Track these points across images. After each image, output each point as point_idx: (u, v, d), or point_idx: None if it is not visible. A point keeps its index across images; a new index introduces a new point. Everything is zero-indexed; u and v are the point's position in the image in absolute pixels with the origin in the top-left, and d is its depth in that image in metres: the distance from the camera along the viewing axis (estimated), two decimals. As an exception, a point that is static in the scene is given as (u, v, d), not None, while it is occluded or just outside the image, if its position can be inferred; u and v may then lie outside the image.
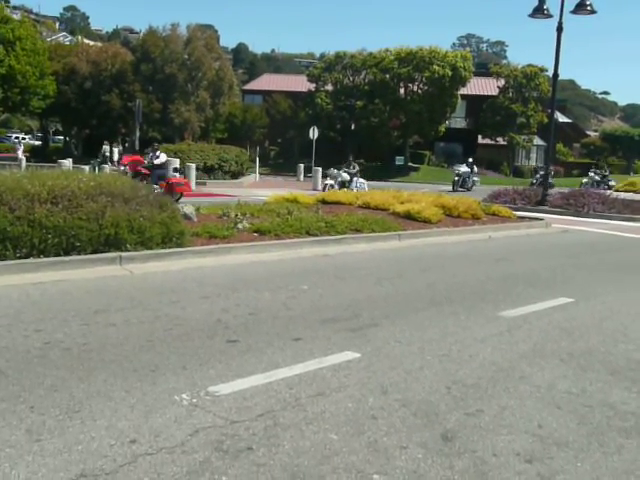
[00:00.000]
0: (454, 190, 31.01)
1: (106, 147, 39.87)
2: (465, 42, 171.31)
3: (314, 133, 38.62)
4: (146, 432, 3.81)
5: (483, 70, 60.25)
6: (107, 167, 28.74)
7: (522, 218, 17.33)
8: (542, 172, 35.42)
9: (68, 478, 3.30)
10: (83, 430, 3.80)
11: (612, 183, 37.37)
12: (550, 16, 21.15)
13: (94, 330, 5.73)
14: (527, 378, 5.10)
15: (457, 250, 12.11)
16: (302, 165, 39.61)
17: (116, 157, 39.18)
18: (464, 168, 34.63)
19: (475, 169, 35.65)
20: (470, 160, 35.96)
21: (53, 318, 6.02)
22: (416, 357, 5.46)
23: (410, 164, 52.16)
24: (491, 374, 5.14)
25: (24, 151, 44.42)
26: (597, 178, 37.78)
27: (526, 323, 6.79)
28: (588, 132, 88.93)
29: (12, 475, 3.29)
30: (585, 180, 37.42)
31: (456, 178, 33.91)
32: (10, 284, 7.17)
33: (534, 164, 56.84)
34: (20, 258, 7.73)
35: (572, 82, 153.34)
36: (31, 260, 7.77)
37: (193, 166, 26.81)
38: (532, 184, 33.54)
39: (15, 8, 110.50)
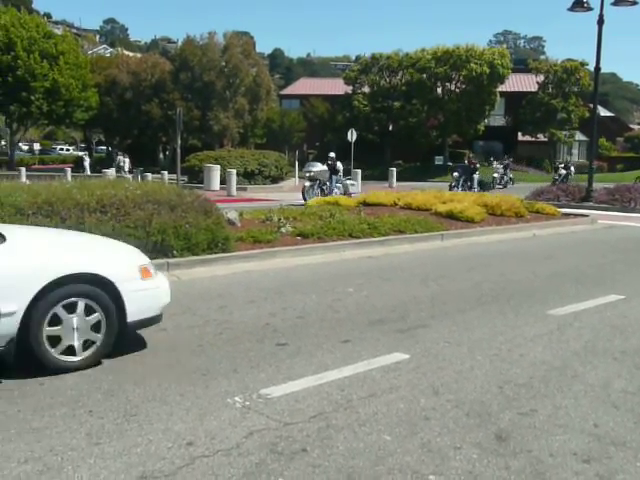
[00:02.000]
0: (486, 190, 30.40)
1: (120, 157, 40.76)
2: (502, 39, 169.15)
3: (352, 136, 38.57)
4: (202, 435, 3.88)
5: (521, 66, 59.40)
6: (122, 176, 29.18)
7: (567, 215, 17.06)
8: (563, 168, 34.52)
9: (129, 480, 3.38)
10: (141, 433, 3.89)
11: None
12: (590, 9, 20.80)
13: (146, 335, 5.84)
14: (580, 377, 5.03)
15: (502, 249, 11.98)
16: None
17: (127, 167, 39.99)
18: (499, 167, 34.39)
19: (508, 168, 35.20)
20: (507, 159, 35.51)
21: (106, 324, 6.15)
22: (466, 357, 5.43)
23: (449, 163, 51.77)
24: (543, 373, 5.09)
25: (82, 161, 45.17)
26: None
27: (576, 321, 6.69)
28: (631, 125, 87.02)
29: (75, 477, 3.38)
30: None
31: (495, 175, 33.65)
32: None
33: (576, 160, 55.81)
34: (71, 266, 7.90)
35: (614, 75, 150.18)
36: (82, 268, 7.94)
37: (234, 172, 27.05)
38: (555, 181, 32.39)
39: (57, 23, 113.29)
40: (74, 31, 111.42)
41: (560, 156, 57.58)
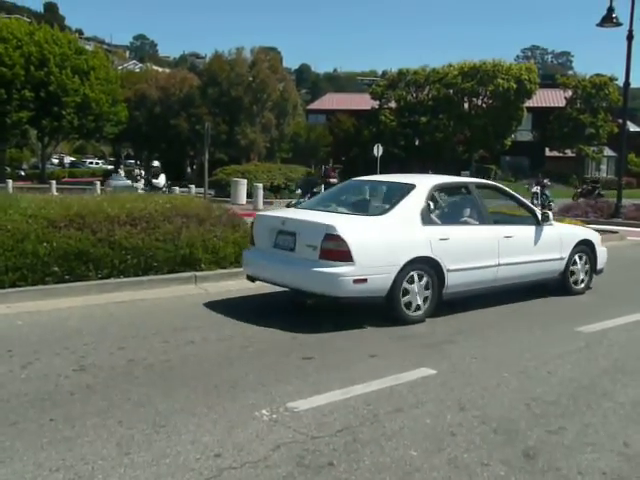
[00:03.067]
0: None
1: (137, 170, 41.27)
2: (529, 54, 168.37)
3: (378, 150, 38.65)
4: (230, 447, 3.91)
5: (549, 82, 59.18)
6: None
7: (595, 231, 16.86)
8: (535, 188, 33.12)
9: (159, 490, 3.42)
10: (169, 444, 3.93)
11: None
12: (619, 24, 20.65)
13: (174, 348, 5.91)
14: (609, 395, 4.98)
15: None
16: (367, 182, 39.62)
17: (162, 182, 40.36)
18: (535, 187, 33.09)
19: (546, 187, 33.66)
20: (542, 178, 34.11)
21: (135, 336, 6.24)
22: (493, 373, 5.41)
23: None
24: (571, 391, 5.05)
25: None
26: None
27: (605, 339, 6.62)
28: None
29: (106, 486, 3.44)
30: None
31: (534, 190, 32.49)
32: (94, 303, 7.47)
33: (605, 176, 55.18)
34: (102, 278, 8.04)
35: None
36: (112, 280, 8.07)
37: (260, 186, 27.23)
38: (576, 196, 31.86)
39: (88, 39, 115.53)
40: (105, 47, 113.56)
41: (588, 172, 57.03)
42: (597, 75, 54.50)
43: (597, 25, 20.96)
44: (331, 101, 67.05)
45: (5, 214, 7.81)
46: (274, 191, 30.77)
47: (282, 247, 7.22)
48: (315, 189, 27.66)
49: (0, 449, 3.80)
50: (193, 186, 33.10)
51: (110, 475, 3.55)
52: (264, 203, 26.88)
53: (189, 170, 55.40)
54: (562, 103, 54.21)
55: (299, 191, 28.02)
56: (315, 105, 69.33)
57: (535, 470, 3.73)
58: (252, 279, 7.82)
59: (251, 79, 49.62)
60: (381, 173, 37.31)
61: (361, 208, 7.78)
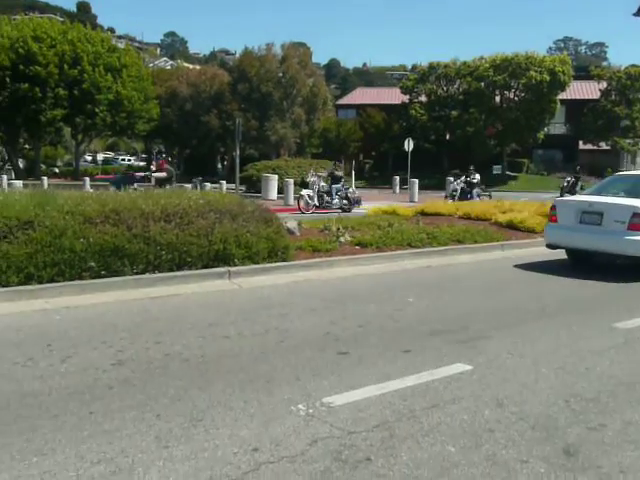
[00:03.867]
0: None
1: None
2: (562, 45, 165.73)
3: (409, 145, 38.45)
4: (267, 441, 3.93)
5: (583, 73, 58.17)
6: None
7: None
8: (570, 177, 31.84)
9: (198, 483, 3.45)
10: (207, 438, 3.96)
11: None
12: (656, 14, 20.27)
13: (210, 342, 5.95)
14: (650, 392, 4.89)
15: (565, 259, 11.72)
16: (397, 177, 39.50)
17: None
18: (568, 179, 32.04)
19: (579, 180, 32.48)
20: (576, 171, 33.01)
21: (171, 331, 6.30)
22: (530, 369, 5.35)
23: (508, 173, 51.00)
24: (611, 387, 4.97)
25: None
26: None
27: (645, 335, 6.51)
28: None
29: (146, 479, 3.48)
30: None
31: (565, 183, 31.57)
32: (129, 298, 7.56)
33: (641, 169, 54.11)
34: (137, 274, 8.13)
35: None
36: (147, 275, 8.16)
37: (291, 181, 27.26)
38: (561, 190, 29.22)
39: (120, 37, 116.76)
40: (136, 45, 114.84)
41: (624, 165, 56.02)
42: (632, 66, 53.52)
43: (633, 15, 20.59)
44: (361, 96, 66.84)
45: (43, 211, 7.93)
46: (305, 186, 30.78)
47: (588, 223, 10.03)
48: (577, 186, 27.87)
49: (43, 441, 3.87)
50: (224, 182, 33.31)
51: (150, 468, 3.59)
52: (294, 198, 26.90)
53: (220, 166, 55.79)
54: (596, 95, 53.29)
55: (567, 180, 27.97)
56: (345, 100, 69.18)
57: (575, 467, 3.68)
58: (553, 247, 10.85)
59: (281, 75, 49.76)
60: (412, 167, 37.23)
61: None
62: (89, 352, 5.58)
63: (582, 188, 28.68)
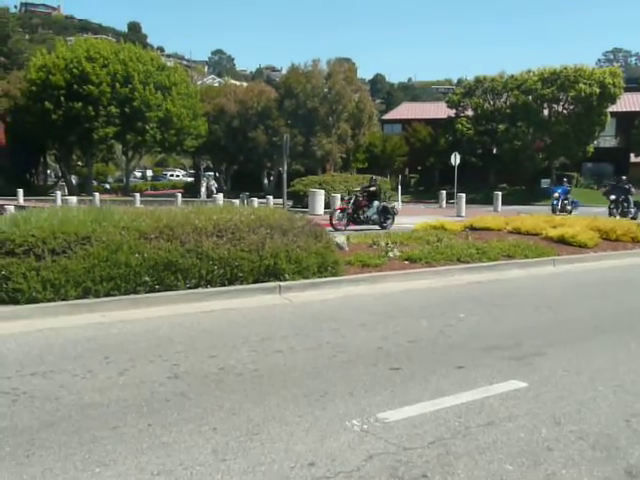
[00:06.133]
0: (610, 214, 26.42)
1: (212, 182, 42.37)
2: (612, 57, 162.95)
3: (455, 159, 38.18)
4: (323, 456, 3.94)
5: (634, 85, 57.04)
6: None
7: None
8: (562, 193, 29.99)
9: (256, 496, 3.48)
10: (263, 452, 4.00)
11: None
12: None
13: (262, 357, 6.00)
14: None
15: (618, 275, 11.48)
16: (444, 192, 39.25)
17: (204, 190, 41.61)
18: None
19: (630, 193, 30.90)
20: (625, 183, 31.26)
21: (224, 345, 6.38)
22: (587, 387, 5.25)
23: (552, 187, 50.07)
24: (673, 407, 4.84)
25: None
26: None
27: None
28: None
29: (205, 491, 3.53)
30: None
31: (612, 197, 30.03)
32: (183, 312, 7.69)
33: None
34: (190, 288, 8.27)
35: None
36: (200, 290, 8.29)
37: (338, 196, 27.31)
38: (553, 208, 28.34)
39: (169, 56, 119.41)
40: (184, 63, 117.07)
41: (678, 178, 54.46)
42: (686, 77, 52.18)
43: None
44: (406, 110, 66.80)
45: (100, 226, 8.15)
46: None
47: None
48: (630, 196, 26.61)
49: (104, 452, 3.96)
50: (271, 197, 33.59)
51: (208, 480, 3.64)
52: (328, 214, 26.89)
53: (266, 182, 56.26)
54: (648, 107, 52.13)
55: (613, 197, 26.70)
56: (390, 115, 69.21)
57: (639, 489, 3.60)
58: None
59: (327, 90, 50.06)
60: (458, 182, 36.93)
61: None
62: (146, 365, 5.69)
63: (637, 205, 27.23)
